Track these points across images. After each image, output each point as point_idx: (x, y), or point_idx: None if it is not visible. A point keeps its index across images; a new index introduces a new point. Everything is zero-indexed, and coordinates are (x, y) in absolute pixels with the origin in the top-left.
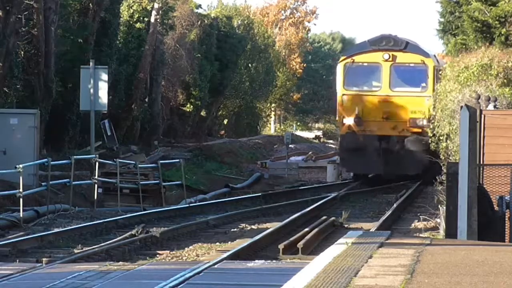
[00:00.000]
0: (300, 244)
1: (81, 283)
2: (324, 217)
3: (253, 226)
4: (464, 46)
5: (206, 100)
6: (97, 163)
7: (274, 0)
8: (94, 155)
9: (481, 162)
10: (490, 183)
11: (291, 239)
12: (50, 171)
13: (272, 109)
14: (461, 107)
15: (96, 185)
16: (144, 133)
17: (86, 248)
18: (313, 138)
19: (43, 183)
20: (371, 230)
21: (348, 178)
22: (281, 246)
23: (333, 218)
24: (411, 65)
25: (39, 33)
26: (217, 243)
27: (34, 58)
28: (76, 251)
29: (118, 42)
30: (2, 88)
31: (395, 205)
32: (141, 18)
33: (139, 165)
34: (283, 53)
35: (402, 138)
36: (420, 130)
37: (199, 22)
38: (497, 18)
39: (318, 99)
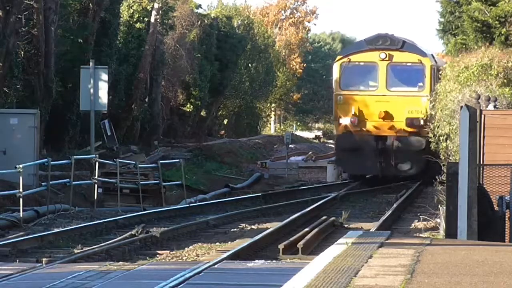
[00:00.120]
0: (300, 244)
1: (81, 283)
2: (324, 217)
3: (253, 226)
4: (464, 46)
5: (206, 100)
6: (97, 163)
7: (274, 0)
8: (94, 155)
9: (481, 162)
10: (490, 183)
11: (291, 239)
12: (50, 171)
13: (272, 109)
14: (461, 107)
15: (96, 185)
16: (144, 133)
17: (86, 248)
18: (313, 138)
19: (43, 183)
20: (371, 230)
21: (348, 179)
22: (281, 246)
23: (333, 218)
24: (408, 64)
25: (39, 33)
26: (217, 243)
27: (34, 58)
28: (76, 251)
29: (118, 42)
30: (2, 88)
31: (395, 205)
32: (141, 18)
33: (139, 165)
34: (283, 53)
35: (399, 138)
36: (417, 130)
37: (199, 22)
38: (497, 18)
39: (318, 99)
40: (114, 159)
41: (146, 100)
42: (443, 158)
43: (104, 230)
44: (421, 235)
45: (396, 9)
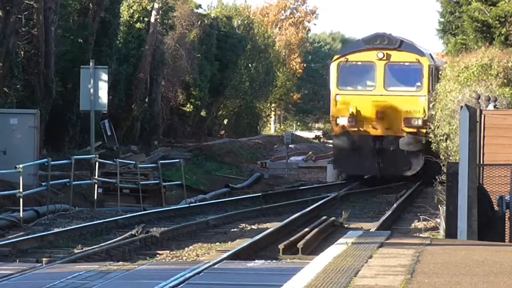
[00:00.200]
0: (300, 244)
1: (81, 283)
2: (324, 217)
3: (253, 226)
4: (464, 46)
5: (206, 100)
6: (97, 163)
7: (274, 0)
8: (94, 155)
9: (481, 162)
10: (490, 183)
11: (291, 239)
12: (50, 171)
13: (272, 109)
14: (461, 107)
15: (96, 185)
16: (144, 133)
17: (86, 248)
18: (313, 138)
19: (43, 183)
20: (371, 230)
21: (346, 179)
22: (281, 246)
23: (333, 218)
24: (406, 64)
25: (39, 33)
26: (217, 243)
27: (34, 58)
28: (76, 251)
29: (118, 42)
30: (2, 88)
31: (395, 205)
32: (141, 18)
33: (139, 165)
34: (283, 53)
35: (397, 138)
36: (415, 130)
37: (199, 22)
38: (497, 18)
39: (318, 99)
40: (114, 159)
41: (146, 100)
42: (443, 158)
43: (104, 230)
44: (421, 235)
45: (396, 9)
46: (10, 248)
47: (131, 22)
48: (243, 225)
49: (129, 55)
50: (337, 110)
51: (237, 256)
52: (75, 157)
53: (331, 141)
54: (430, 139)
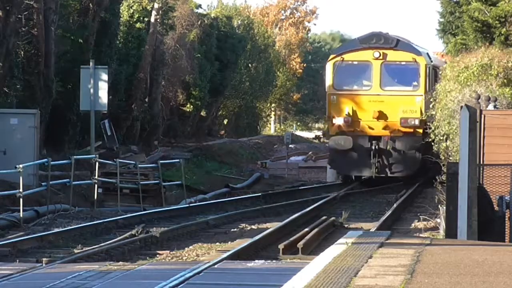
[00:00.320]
0: (300, 244)
1: (81, 283)
2: (324, 217)
3: (253, 226)
4: (464, 46)
5: (206, 100)
6: (97, 163)
7: (274, 0)
8: (94, 155)
9: (481, 162)
10: (490, 183)
11: (291, 239)
12: (50, 171)
13: (272, 109)
14: (461, 107)
15: (96, 185)
16: (144, 133)
17: (86, 248)
18: (313, 138)
19: (43, 183)
20: (371, 230)
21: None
22: (281, 246)
23: (333, 218)
24: (402, 63)
25: (39, 33)
26: (217, 243)
27: (34, 58)
28: (76, 251)
29: (118, 42)
30: (2, 88)
31: (395, 205)
32: (141, 18)
33: (139, 165)
34: (283, 53)
35: (393, 138)
36: (412, 130)
37: (199, 22)
38: (497, 18)
39: (318, 99)
40: (114, 159)
41: (146, 100)
42: (443, 158)
43: (104, 230)
44: (421, 235)
45: (396, 9)
46: (10, 248)
47: (131, 22)
48: (243, 225)
49: (129, 55)
50: (333, 110)
51: (237, 256)
52: (75, 157)
53: None
54: (427, 139)
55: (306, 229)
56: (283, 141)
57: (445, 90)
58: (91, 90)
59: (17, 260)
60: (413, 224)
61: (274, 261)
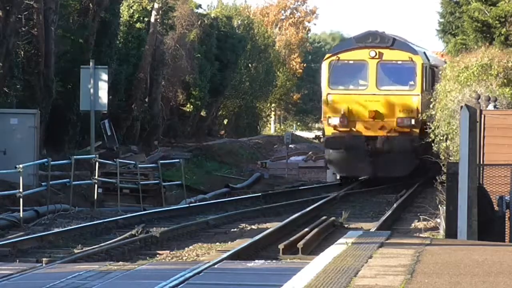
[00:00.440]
0: (300, 244)
1: (81, 283)
2: (324, 217)
3: (253, 226)
4: (464, 46)
5: (206, 100)
6: (97, 163)
7: (274, 0)
8: (94, 155)
9: (481, 162)
10: (490, 183)
11: (291, 239)
12: (50, 171)
13: (272, 109)
14: (461, 107)
15: (96, 185)
16: (144, 133)
17: (86, 248)
18: (313, 138)
19: (43, 183)
20: (371, 230)
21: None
22: (281, 246)
23: (333, 218)
24: (399, 62)
25: (39, 33)
26: (217, 243)
27: (34, 58)
28: (76, 251)
29: (118, 42)
30: (2, 88)
31: (395, 205)
32: (141, 18)
33: (139, 165)
34: (283, 53)
35: (389, 138)
36: (408, 130)
37: (199, 22)
38: (497, 18)
39: (318, 99)
40: (114, 159)
41: (146, 100)
42: (443, 158)
43: (104, 230)
44: (421, 235)
45: (396, 9)
46: (10, 248)
47: (131, 22)
48: (243, 225)
49: (129, 55)
50: (329, 110)
51: (237, 256)
52: (75, 157)
53: None
54: (427, 139)
55: (306, 229)
56: (283, 141)
57: (445, 90)
58: (91, 90)
59: (17, 260)
60: (413, 224)
61: (274, 261)
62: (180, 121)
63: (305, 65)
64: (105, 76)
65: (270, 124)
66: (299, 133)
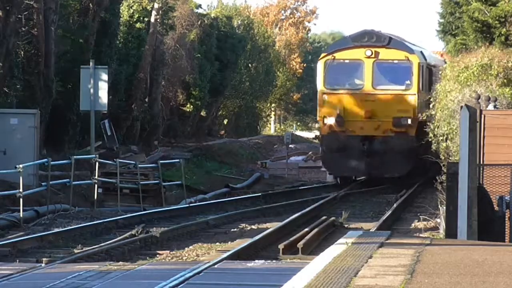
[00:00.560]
0: (300, 244)
1: (81, 283)
2: (324, 217)
3: (253, 226)
4: (464, 46)
5: (206, 100)
6: (97, 163)
7: (274, 0)
8: (94, 155)
9: (481, 162)
10: (490, 183)
11: (291, 239)
12: (50, 171)
13: (272, 109)
14: (461, 107)
15: (96, 185)
16: (144, 133)
17: (86, 248)
18: (313, 138)
19: (43, 183)
20: (371, 230)
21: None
22: (281, 246)
23: (333, 218)
24: (395, 62)
25: (39, 33)
26: (217, 243)
27: (34, 58)
28: (76, 251)
29: (118, 42)
30: (2, 88)
31: (395, 205)
32: (141, 18)
33: (139, 165)
34: (283, 53)
35: (386, 138)
36: (404, 130)
37: (199, 22)
38: (497, 18)
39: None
40: (114, 159)
41: (146, 100)
42: (443, 158)
43: (104, 230)
44: (421, 235)
45: (396, 9)
46: (10, 248)
47: (131, 22)
48: (243, 225)
49: (129, 55)
50: (325, 110)
51: (237, 256)
52: (75, 157)
53: None
54: (426, 139)
55: (306, 229)
56: (283, 141)
57: (445, 90)
58: (91, 90)
59: (17, 260)
60: (413, 224)
61: (274, 261)
62: (180, 121)
63: (305, 65)
64: (105, 76)
65: (270, 124)
66: (299, 133)
